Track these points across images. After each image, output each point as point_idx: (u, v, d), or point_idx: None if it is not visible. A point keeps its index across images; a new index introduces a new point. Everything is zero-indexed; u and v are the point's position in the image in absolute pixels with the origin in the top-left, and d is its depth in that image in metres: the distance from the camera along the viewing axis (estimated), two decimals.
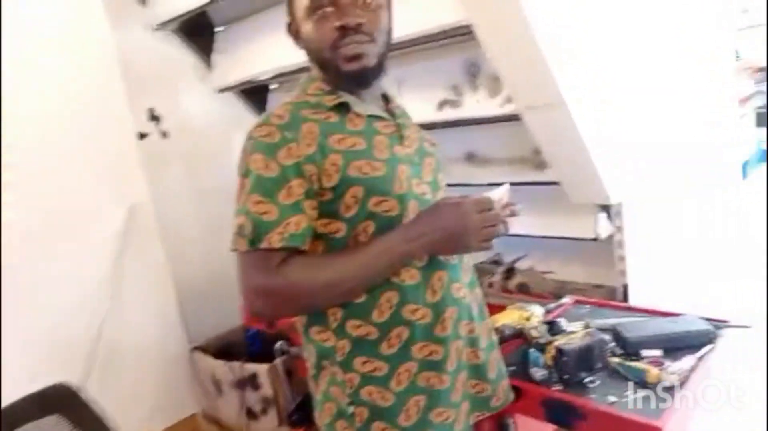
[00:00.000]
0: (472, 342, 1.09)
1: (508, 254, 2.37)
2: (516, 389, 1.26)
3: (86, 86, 2.21)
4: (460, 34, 1.83)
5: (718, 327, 1.41)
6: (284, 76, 2.54)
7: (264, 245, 0.91)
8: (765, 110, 7.87)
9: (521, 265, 2.30)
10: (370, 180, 0.97)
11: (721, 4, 2.40)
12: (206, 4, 2.36)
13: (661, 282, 1.98)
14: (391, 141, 1.04)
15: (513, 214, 1.05)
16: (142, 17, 2.53)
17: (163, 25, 2.54)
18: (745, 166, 4.66)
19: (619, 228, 1.92)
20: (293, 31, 1.07)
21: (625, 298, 1.90)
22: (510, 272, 2.26)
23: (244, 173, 0.96)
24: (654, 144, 1.97)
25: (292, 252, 0.93)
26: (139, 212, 2.33)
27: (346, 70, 0.99)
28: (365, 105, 1.05)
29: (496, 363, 1.16)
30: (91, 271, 2.21)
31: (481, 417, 1.13)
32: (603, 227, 1.99)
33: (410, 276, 1.00)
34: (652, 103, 1.95)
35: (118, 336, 2.25)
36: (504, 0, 1.45)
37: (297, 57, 2.22)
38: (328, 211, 0.96)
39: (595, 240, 2.02)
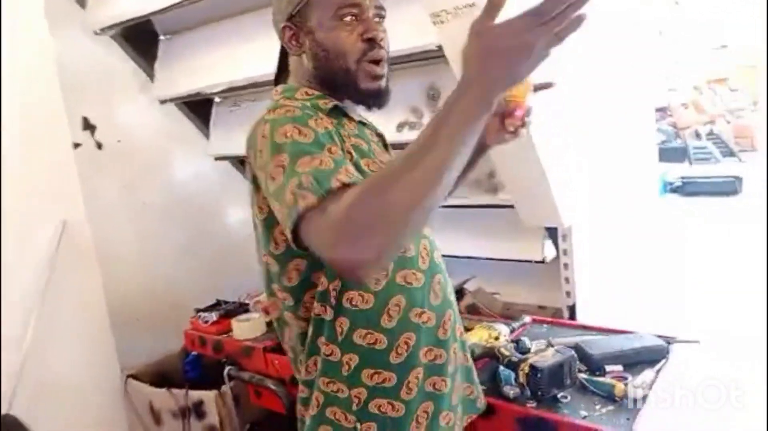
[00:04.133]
0: (463, 346, 1.13)
1: (455, 276, 2.41)
2: (489, 407, 1.28)
3: (21, 89, 2.03)
4: (422, 58, 1.88)
5: (669, 343, 1.52)
6: (232, 91, 2.48)
7: (335, 184, 0.78)
8: (663, 146, 8.72)
9: (469, 286, 2.36)
10: None
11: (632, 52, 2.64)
12: (153, 13, 2.27)
13: (604, 301, 2.09)
14: (379, 148, 1.08)
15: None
16: (82, 20, 2.38)
17: (103, 30, 2.39)
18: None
19: (565, 251, 2.02)
20: (288, 35, 1.04)
21: (572, 318, 1.99)
22: (459, 293, 2.30)
23: (276, 150, 0.86)
24: (592, 172, 2.10)
25: None
26: (72, 228, 2.15)
27: (365, 87, 1.00)
28: (355, 112, 1.07)
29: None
30: (17, 291, 2.01)
31: (469, 420, 1.15)
32: (549, 250, 2.09)
33: (416, 279, 1.00)
34: (591, 135, 2.08)
35: (46, 364, 2.04)
36: None
37: (249, 71, 2.23)
38: None
39: (541, 262, 2.12)
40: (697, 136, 10.69)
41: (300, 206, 0.78)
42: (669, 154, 9.13)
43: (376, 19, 1.01)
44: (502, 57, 0.70)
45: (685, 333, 1.59)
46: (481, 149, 1.13)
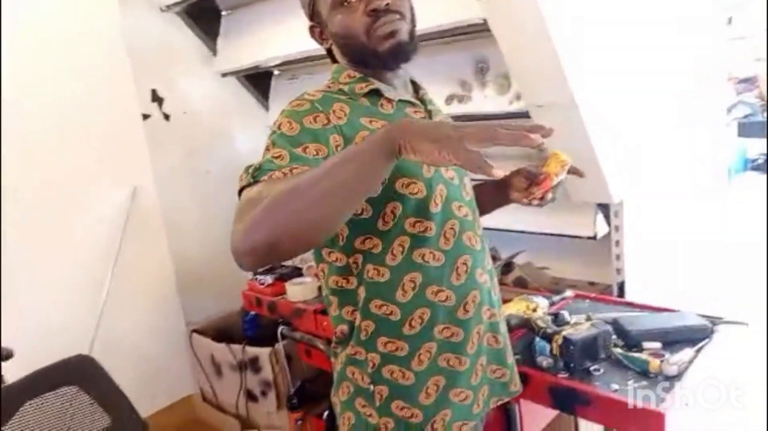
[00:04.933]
0: (493, 327, 1.13)
1: (505, 249, 2.42)
2: (523, 376, 1.31)
3: (92, 65, 2.20)
4: (471, 32, 1.87)
5: (714, 323, 1.48)
6: (290, 64, 2.56)
7: (264, 177, 0.84)
8: (746, 120, 8.09)
9: (519, 260, 2.35)
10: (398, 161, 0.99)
11: (709, 17, 2.48)
12: None
13: (656, 280, 2.05)
14: None
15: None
16: None
17: (169, 8, 2.52)
18: (729, 172, 4.81)
19: (617, 228, 1.98)
20: (317, 33, 1.10)
21: (621, 295, 1.96)
22: (508, 266, 2.30)
23: (269, 136, 0.95)
24: (651, 146, 2.03)
25: None
26: (141, 195, 2.32)
27: (383, 49, 1.02)
28: (396, 91, 1.09)
29: (510, 350, 1.20)
30: (92, 252, 2.21)
31: (500, 402, 1.16)
32: (601, 226, 2.05)
33: (434, 258, 1.03)
34: (651, 107, 2.01)
35: (117, 316, 2.24)
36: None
37: (304, 45, 2.28)
38: None
39: (592, 238, 2.08)
40: None
41: (239, 184, 0.87)
42: (754, 128, 8.49)
43: None
44: (427, 131, 0.77)
45: (735, 316, 1.55)
46: (504, 201, 1.23)
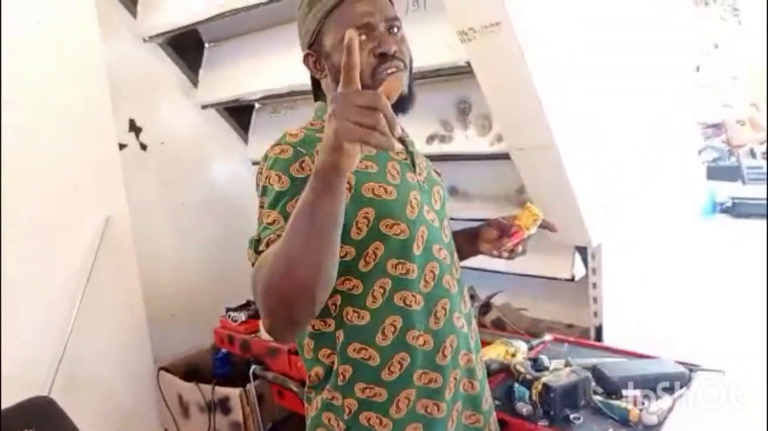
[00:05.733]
0: (470, 373, 1.10)
1: (483, 289, 2.41)
2: (502, 422, 1.28)
3: (71, 92, 2.16)
4: (453, 72, 1.89)
5: (692, 370, 1.48)
6: (271, 98, 2.56)
7: (261, 248, 0.89)
8: (714, 164, 8.37)
9: (497, 301, 2.34)
10: (382, 202, 0.99)
11: (682, 65, 2.57)
12: (199, 22, 2.36)
13: (633, 322, 2.05)
14: (403, 168, 1.07)
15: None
16: (132, 28, 2.51)
17: (152, 38, 2.51)
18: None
19: (594, 270, 1.99)
20: (311, 62, 1.09)
21: (599, 338, 1.96)
22: (486, 307, 2.29)
23: (262, 192, 0.97)
24: (628, 189, 2.06)
25: None
26: (115, 224, 2.26)
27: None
28: None
29: (488, 396, 1.18)
30: (60, 283, 2.13)
31: None
32: (579, 268, 2.05)
33: (416, 302, 1.01)
34: (628, 151, 2.04)
35: (83, 351, 2.15)
36: (505, 44, 1.51)
37: (285, 80, 2.29)
38: None
39: (569, 280, 2.08)
40: (753, 154, 10.22)
41: (249, 260, 0.92)
42: (721, 172, 8.76)
43: (393, 30, 1.04)
44: (327, 128, 0.75)
45: (713, 362, 1.55)
46: (473, 252, 1.22)
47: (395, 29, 1.05)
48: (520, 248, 1.13)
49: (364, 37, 1.01)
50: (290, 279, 0.80)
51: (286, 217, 0.90)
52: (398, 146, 1.11)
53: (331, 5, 1.03)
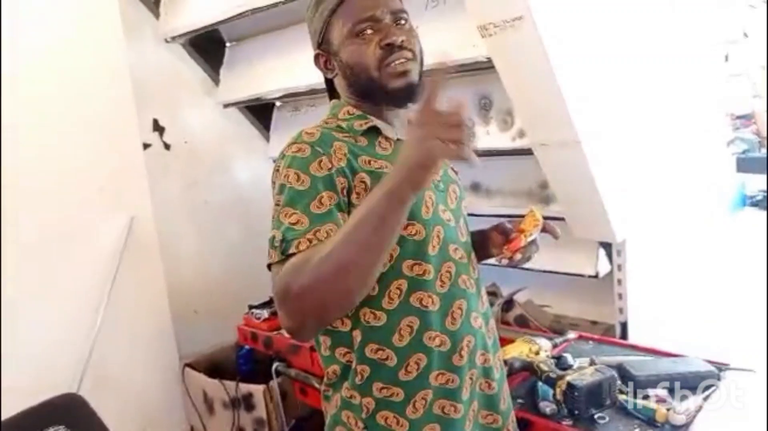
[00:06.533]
0: (486, 373, 1.09)
1: (506, 286, 2.39)
2: (525, 422, 1.27)
3: (95, 93, 2.20)
4: (474, 69, 1.87)
5: (721, 369, 1.44)
6: (292, 96, 2.56)
7: (292, 250, 0.88)
8: (744, 156, 8.13)
9: (520, 297, 2.32)
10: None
11: (710, 55, 2.51)
12: (221, 22, 2.38)
13: (658, 319, 2.01)
14: None
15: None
16: (155, 29, 2.54)
17: (174, 39, 2.54)
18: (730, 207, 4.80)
19: (620, 266, 1.95)
20: (322, 62, 1.09)
21: (624, 336, 1.92)
22: (509, 304, 2.27)
23: (279, 190, 0.97)
24: (654, 184, 2.02)
25: None
26: (139, 224, 2.29)
27: (393, 87, 1.01)
28: (394, 130, 1.08)
29: (506, 395, 1.17)
30: (86, 283, 2.17)
31: None
32: (603, 264, 2.02)
33: (432, 302, 1.00)
34: (655, 145, 2.00)
35: (110, 349, 2.19)
36: (527, 39, 1.49)
37: (306, 78, 2.29)
38: None
39: (593, 277, 2.05)
40: None
41: (268, 258, 0.93)
42: (751, 164, 8.52)
43: (400, 22, 1.03)
44: (416, 148, 0.80)
45: (743, 361, 1.52)
46: (485, 255, 1.20)
47: (402, 21, 1.04)
48: (519, 255, 1.10)
49: (370, 31, 1.01)
50: (339, 284, 0.83)
51: (311, 219, 0.90)
52: None
53: (335, 3, 1.03)
